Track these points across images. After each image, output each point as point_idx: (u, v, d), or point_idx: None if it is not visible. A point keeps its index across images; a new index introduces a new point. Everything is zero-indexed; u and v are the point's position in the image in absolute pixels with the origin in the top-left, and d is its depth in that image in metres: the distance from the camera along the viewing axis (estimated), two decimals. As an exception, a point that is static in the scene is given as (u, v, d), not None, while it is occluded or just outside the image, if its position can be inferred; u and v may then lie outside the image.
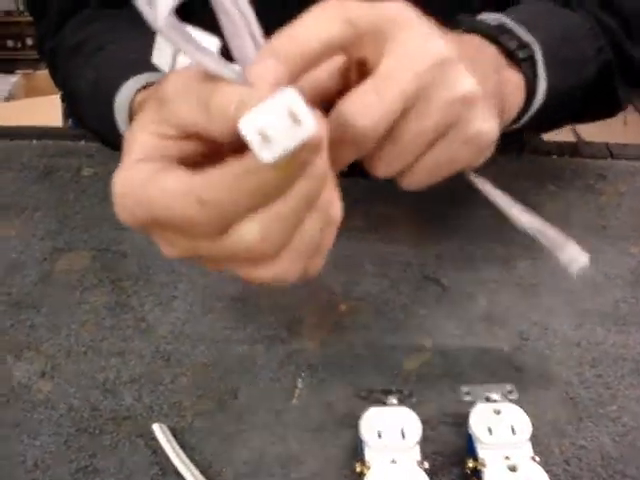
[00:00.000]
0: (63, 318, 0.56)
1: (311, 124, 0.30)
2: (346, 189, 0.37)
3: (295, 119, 0.30)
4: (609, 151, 0.76)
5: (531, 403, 0.49)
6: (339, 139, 0.37)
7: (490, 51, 0.50)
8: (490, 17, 0.53)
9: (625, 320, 0.56)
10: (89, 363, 0.53)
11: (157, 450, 0.46)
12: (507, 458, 0.42)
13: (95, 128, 0.68)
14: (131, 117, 0.54)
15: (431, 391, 0.48)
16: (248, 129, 0.30)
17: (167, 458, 0.45)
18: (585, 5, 0.60)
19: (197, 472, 0.44)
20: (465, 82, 0.39)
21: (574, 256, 0.42)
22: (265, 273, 0.35)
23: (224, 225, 0.33)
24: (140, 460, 0.46)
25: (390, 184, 0.40)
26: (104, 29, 0.67)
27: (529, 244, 0.61)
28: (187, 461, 0.45)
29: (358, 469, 0.43)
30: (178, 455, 0.45)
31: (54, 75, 0.74)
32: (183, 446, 0.46)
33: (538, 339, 0.54)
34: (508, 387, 0.47)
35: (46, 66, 0.76)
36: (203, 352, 0.53)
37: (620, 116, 0.72)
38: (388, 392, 0.47)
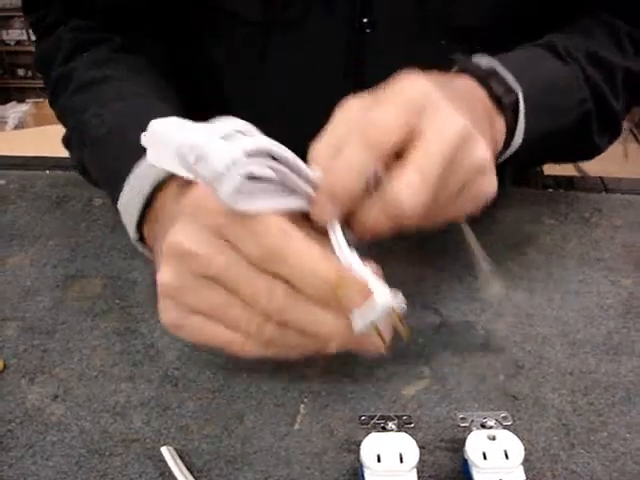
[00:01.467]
0: (75, 343, 0.59)
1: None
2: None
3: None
4: (604, 185, 0.79)
5: (525, 429, 0.51)
6: (386, 216, 0.43)
7: (481, 94, 0.55)
8: (483, 60, 0.57)
9: (617, 350, 0.58)
10: (100, 387, 0.55)
11: (165, 472, 0.48)
12: (500, 483, 0.44)
13: (88, 168, 0.68)
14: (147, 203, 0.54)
15: (429, 417, 0.50)
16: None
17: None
18: (575, 56, 0.64)
19: (204, 493, 0.46)
20: (480, 152, 0.46)
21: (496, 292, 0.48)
22: None
23: None
24: (149, 481, 0.48)
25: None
26: (124, 75, 0.68)
27: (525, 274, 0.63)
28: (194, 482, 0.47)
29: (358, 492, 0.45)
30: (186, 477, 0.47)
31: (53, 103, 0.74)
32: (190, 468, 0.48)
33: (533, 368, 0.56)
34: (503, 414, 0.49)
35: (45, 90, 0.76)
36: (209, 378, 0.55)
37: (620, 148, 0.74)
38: (387, 418, 0.49)
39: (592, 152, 0.71)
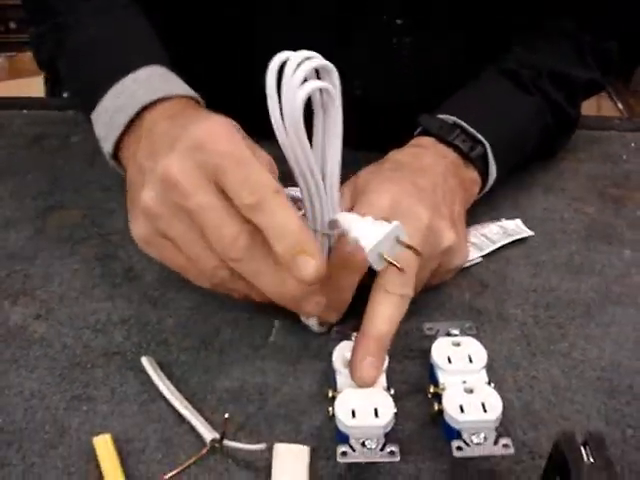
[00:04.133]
0: (56, 268, 0.60)
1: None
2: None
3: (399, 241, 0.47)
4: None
5: (489, 340, 0.53)
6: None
7: (449, 156, 0.61)
8: (449, 118, 0.63)
9: (578, 269, 0.61)
10: (81, 307, 0.56)
11: (145, 381, 0.50)
12: (464, 383, 0.47)
13: (61, 69, 0.68)
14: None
15: (398, 329, 0.52)
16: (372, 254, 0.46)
17: (155, 387, 0.49)
18: (538, 85, 0.69)
19: (182, 398, 0.48)
20: (446, 238, 0.54)
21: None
22: None
23: None
24: (130, 389, 0.50)
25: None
26: None
27: (493, 203, 0.65)
28: (173, 388, 0.49)
29: (330, 394, 0.47)
30: (164, 383, 0.49)
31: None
32: (170, 378, 0.50)
33: (497, 286, 0.59)
34: (467, 324, 0.52)
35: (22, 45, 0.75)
36: (187, 297, 0.57)
37: (594, 104, 0.76)
38: (357, 329, 0.51)
39: (552, 153, 0.76)
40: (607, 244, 0.64)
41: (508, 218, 0.65)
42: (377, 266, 0.47)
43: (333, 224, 0.49)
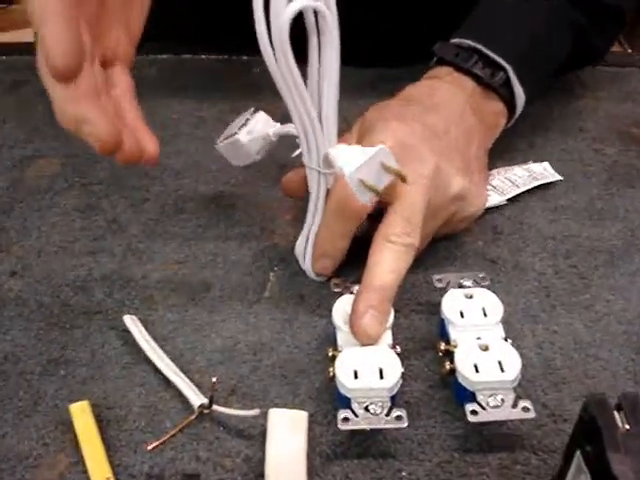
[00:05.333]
0: (33, 221, 0.56)
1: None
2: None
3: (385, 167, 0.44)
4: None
5: (504, 291, 0.49)
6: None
7: (468, 85, 0.56)
8: (463, 42, 0.57)
9: (599, 215, 0.56)
10: (60, 262, 0.52)
11: (128, 341, 0.46)
12: (479, 339, 0.42)
13: None
14: None
15: (404, 281, 0.47)
16: (352, 180, 0.43)
17: (139, 349, 0.45)
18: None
19: (168, 360, 0.44)
20: (455, 183, 0.49)
21: None
22: None
23: None
24: (111, 351, 0.46)
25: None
26: None
27: (507, 144, 0.60)
28: (158, 349, 0.45)
29: (330, 353, 0.42)
30: (149, 344, 0.45)
31: None
32: (155, 337, 0.46)
33: (512, 233, 0.54)
34: (480, 274, 0.47)
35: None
36: (175, 249, 0.53)
37: None
38: (358, 282, 0.46)
39: (602, 52, 0.69)
40: (630, 187, 0.59)
41: (524, 161, 0.60)
42: (360, 196, 0.44)
43: (326, 160, 0.45)
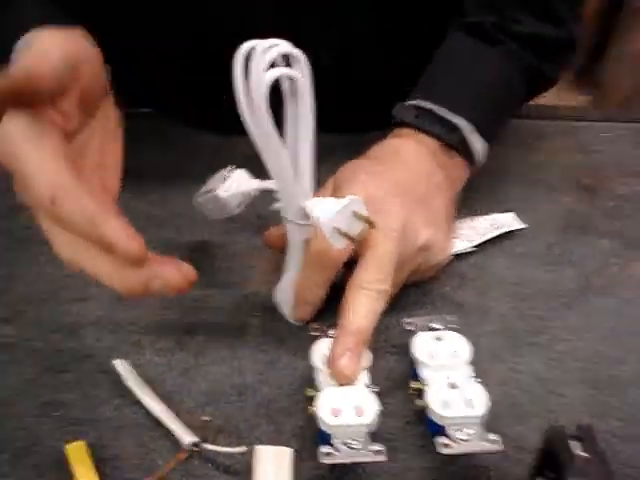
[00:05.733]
0: (22, 268, 0.58)
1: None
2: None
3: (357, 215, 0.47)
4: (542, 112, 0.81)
5: (470, 333, 0.52)
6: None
7: (431, 144, 0.60)
8: (420, 103, 0.61)
9: (556, 260, 0.60)
10: (49, 309, 0.55)
11: (119, 384, 0.48)
12: (448, 378, 0.46)
13: None
14: None
15: (378, 324, 0.51)
16: (327, 228, 0.46)
17: (129, 391, 0.48)
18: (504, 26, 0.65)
19: (158, 400, 0.47)
20: (422, 235, 0.53)
21: None
22: None
23: None
24: (103, 393, 0.48)
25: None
26: None
27: (467, 195, 0.65)
28: (148, 391, 0.47)
29: (309, 393, 0.45)
30: (139, 385, 0.47)
31: None
32: (144, 380, 0.49)
33: (477, 279, 0.58)
34: (449, 317, 0.51)
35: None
36: (160, 297, 0.55)
37: (554, 94, 0.76)
38: (334, 326, 0.49)
39: (552, 82, 0.71)
40: (584, 234, 0.63)
41: (488, 211, 0.64)
42: (335, 243, 0.47)
43: (303, 213, 0.48)
